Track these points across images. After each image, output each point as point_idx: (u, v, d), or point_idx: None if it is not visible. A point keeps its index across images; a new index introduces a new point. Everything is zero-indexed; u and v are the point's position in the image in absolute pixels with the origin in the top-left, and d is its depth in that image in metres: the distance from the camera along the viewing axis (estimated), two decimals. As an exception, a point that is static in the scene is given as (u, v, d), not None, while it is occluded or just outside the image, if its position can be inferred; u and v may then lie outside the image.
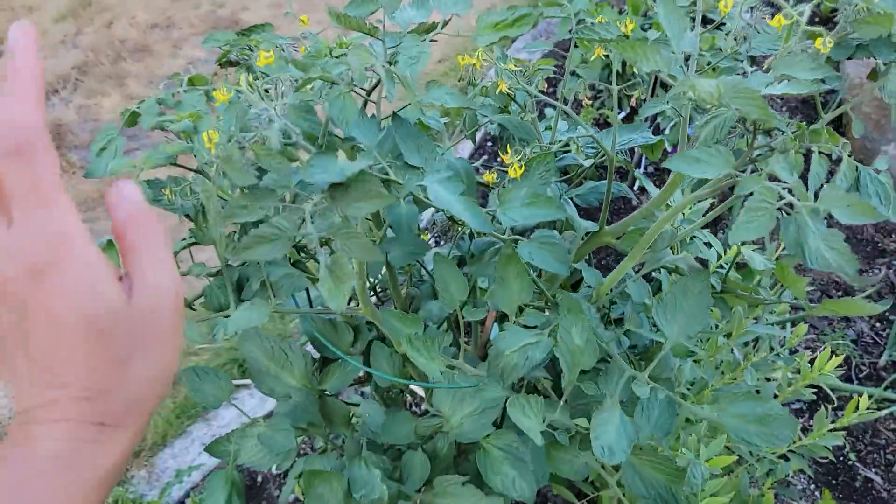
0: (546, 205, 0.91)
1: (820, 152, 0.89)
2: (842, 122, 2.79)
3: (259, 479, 2.07)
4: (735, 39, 0.88)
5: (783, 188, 0.78)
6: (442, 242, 2.37)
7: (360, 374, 1.26)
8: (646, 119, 2.26)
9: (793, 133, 0.86)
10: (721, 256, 1.22)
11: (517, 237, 0.97)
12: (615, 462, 0.89)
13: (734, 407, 0.93)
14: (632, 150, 2.45)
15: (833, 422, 1.43)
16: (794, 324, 1.55)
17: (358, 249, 0.72)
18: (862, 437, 2.11)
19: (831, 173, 0.88)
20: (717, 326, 1.32)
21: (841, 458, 2.04)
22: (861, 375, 2.27)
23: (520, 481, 1.04)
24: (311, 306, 1.28)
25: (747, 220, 0.75)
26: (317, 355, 1.26)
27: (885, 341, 2.33)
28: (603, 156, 1.10)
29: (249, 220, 0.75)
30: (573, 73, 2.39)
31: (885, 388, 1.95)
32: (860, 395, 1.42)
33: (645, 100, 2.34)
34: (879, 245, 2.68)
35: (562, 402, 0.96)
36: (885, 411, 1.66)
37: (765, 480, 1.48)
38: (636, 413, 0.98)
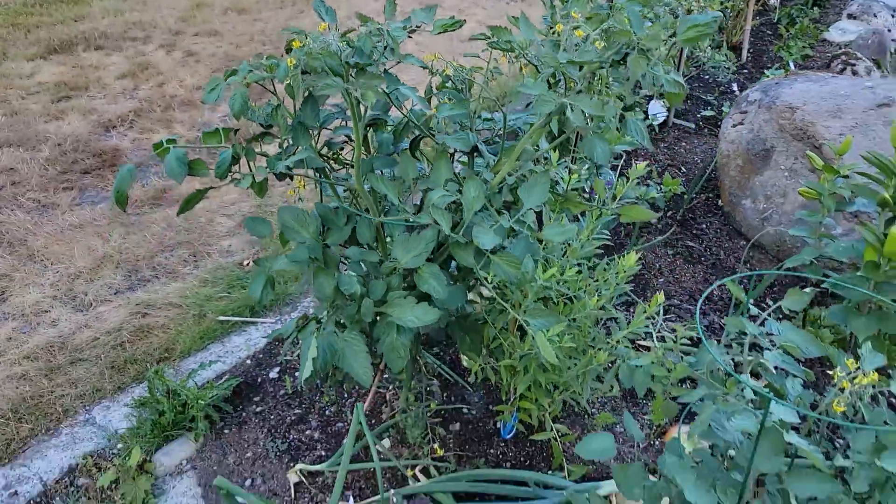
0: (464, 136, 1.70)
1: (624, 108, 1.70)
2: (716, 185, 3.66)
3: (259, 380, 2.72)
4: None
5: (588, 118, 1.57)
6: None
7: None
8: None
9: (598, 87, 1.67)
10: (566, 178, 2.01)
11: (445, 138, 1.76)
12: (488, 249, 1.64)
13: (553, 231, 1.69)
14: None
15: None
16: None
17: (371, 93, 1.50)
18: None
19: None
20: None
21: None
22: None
23: (437, 285, 1.77)
24: (321, 198, 2.04)
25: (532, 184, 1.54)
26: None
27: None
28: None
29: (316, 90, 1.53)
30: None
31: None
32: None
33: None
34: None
35: (462, 230, 1.71)
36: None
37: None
38: (508, 245, 1.73)
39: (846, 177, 2.30)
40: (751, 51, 5.89)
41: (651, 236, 3.49)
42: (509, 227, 1.76)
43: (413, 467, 2.31)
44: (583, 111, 1.55)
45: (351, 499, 2.21)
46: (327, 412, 2.57)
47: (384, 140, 1.96)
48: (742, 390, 1.41)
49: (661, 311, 2.58)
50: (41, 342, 2.87)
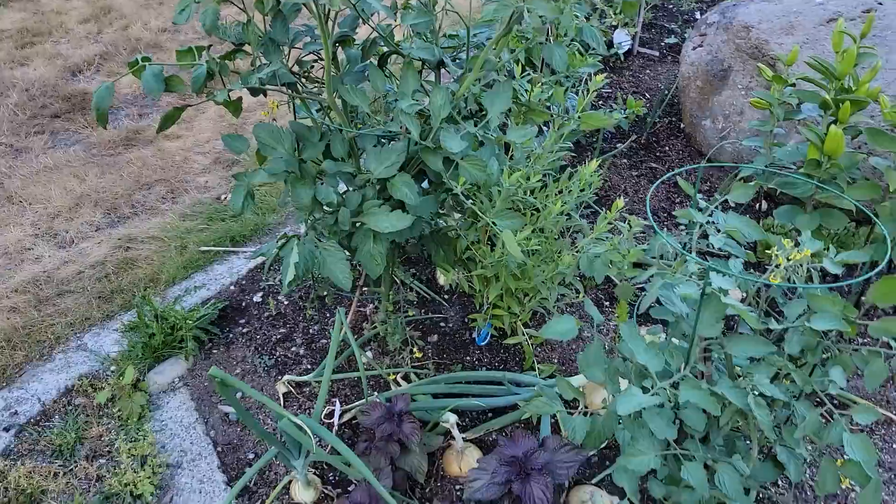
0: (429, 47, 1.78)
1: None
2: (678, 108, 3.78)
3: (244, 304, 2.83)
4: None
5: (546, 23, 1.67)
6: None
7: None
8: None
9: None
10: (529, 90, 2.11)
11: (411, 49, 1.84)
12: (458, 155, 1.75)
13: (515, 132, 1.80)
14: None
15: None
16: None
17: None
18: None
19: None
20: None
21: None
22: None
23: (408, 191, 1.88)
24: (295, 117, 2.12)
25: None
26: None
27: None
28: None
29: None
30: None
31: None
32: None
33: None
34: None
35: (431, 137, 1.81)
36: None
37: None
38: (477, 151, 1.83)
39: (793, 85, 2.43)
40: (714, -20, 5.94)
41: (617, 159, 3.61)
42: (475, 134, 1.86)
43: (395, 375, 2.46)
44: (539, 15, 1.64)
45: (337, 403, 2.36)
46: (311, 330, 2.69)
47: (352, 56, 2.04)
48: (687, 266, 1.55)
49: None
50: (27, 277, 2.94)
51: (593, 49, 2.45)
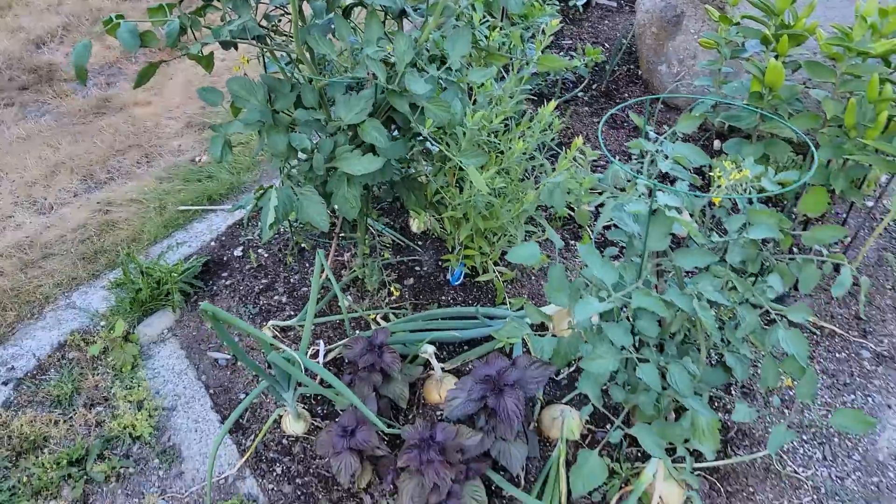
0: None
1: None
2: (636, 56, 3.90)
3: (225, 258, 2.93)
4: None
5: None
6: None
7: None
8: None
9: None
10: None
11: (374, 1, 1.93)
12: (423, 98, 1.86)
13: (476, 73, 1.91)
14: None
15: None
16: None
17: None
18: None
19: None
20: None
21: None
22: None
23: (378, 135, 1.99)
24: (265, 71, 2.20)
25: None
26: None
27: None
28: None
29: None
30: None
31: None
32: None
33: None
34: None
35: (397, 81, 1.92)
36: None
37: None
38: (441, 95, 1.94)
39: (738, 24, 2.56)
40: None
41: (578, 107, 3.74)
42: (439, 77, 1.97)
43: (374, 315, 2.59)
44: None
45: (322, 343, 2.49)
46: (292, 280, 2.81)
47: (318, 8, 2.12)
48: (636, 188, 1.69)
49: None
50: (10, 243, 3.01)
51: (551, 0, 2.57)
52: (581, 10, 4.61)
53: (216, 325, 1.79)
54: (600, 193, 1.81)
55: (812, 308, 2.58)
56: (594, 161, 3.33)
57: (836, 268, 2.64)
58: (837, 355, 2.42)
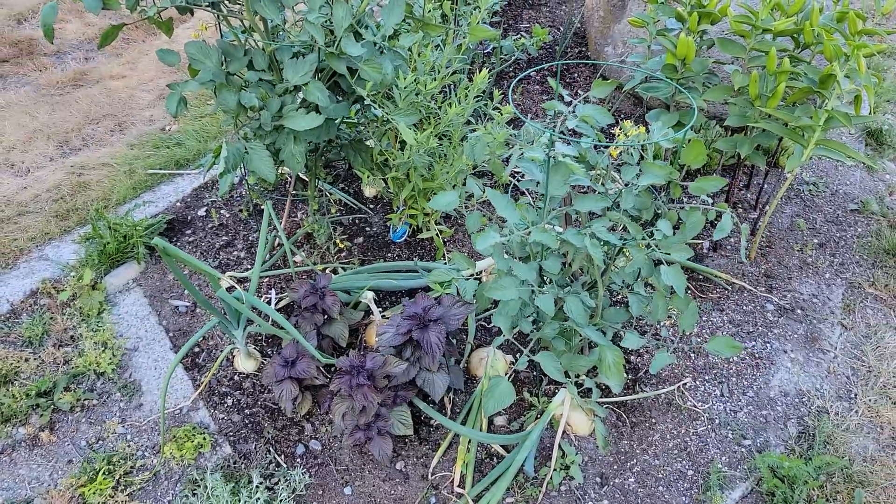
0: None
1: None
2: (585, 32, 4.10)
3: (189, 217, 3.11)
4: None
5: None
6: None
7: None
8: None
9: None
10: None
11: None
12: (359, 60, 2.04)
13: (406, 38, 2.09)
14: None
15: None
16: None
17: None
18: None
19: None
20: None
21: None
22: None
23: (320, 95, 2.17)
24: (221, 37, 2.38)
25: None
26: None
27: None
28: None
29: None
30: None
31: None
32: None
33: None
34: None
35: (336, 45, 2.10)
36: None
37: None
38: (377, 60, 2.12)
39: (663, 3, 2.76)
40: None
41: (531, 85, 3.93)
42: (376, 42, 2.16)
43: (323, 268, 2.78)
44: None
45: (273, 292, 2.68)
46: (250, 238, 2.99)
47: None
48: (542, 140, 1.88)
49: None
50: (-13, 201, 3.17)
51: None
52: (541, -5, 4.80)
53: (166, 258, 1.97)
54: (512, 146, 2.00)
55: (726, 266, 2.80)
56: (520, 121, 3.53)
57: (720, 216, 2.86)
58: (745, 308, 2.64)
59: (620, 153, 1.99)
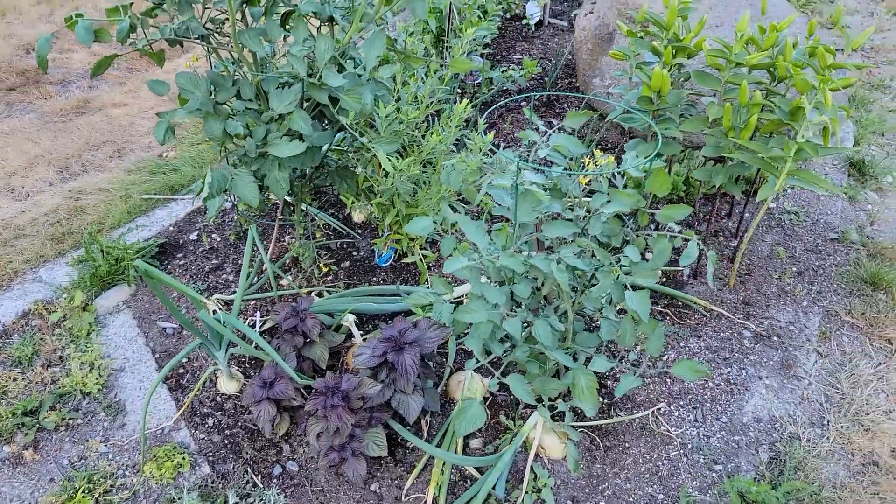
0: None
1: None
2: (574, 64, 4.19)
3: (181, 241, 3.17)
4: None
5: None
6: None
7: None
8: None
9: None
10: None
11: (300, 4, 2.19)
12: (339, 90, 2.11)
13: (384, 70, 2.16)
14: None
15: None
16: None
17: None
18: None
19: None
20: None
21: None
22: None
23: (303, 123, 2.24)
24: (211, 68, 2.46)
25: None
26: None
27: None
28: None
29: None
30: None
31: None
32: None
33: None
34: None
35: (318, 76, 2.17)
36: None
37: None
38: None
39: (642, 37, 2.83)
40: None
41: (521, 115, 4.00)
42: (357, 73, 2.23)
43: (309, 291, 2.83)
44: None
45: (258, 314, 2.73)
46: (240, 261, 3.04)
47: (256, 13, 2.38)
48: (511, 168, 1.94)
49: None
50: (-14, 224, 3.24)
51: (495, 15, 2.83)
52: (533, 28, 4.90)
53: (148, 280, 2.03)
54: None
55: (706, 293, 2.83)
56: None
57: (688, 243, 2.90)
58: (722, 334, 2.66)
59: (590, 182, 2.04)
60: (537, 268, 1.88)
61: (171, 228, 3.24)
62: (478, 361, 2.09)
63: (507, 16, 5.13)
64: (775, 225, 3.19)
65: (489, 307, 1.93)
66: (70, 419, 2.41)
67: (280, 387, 2.21)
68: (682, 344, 2.61)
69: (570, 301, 2.01)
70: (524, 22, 4.89)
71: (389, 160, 2.50)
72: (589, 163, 2.03)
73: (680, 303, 2.80)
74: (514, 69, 3.79)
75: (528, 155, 2.12)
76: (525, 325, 2.07)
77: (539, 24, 4.95)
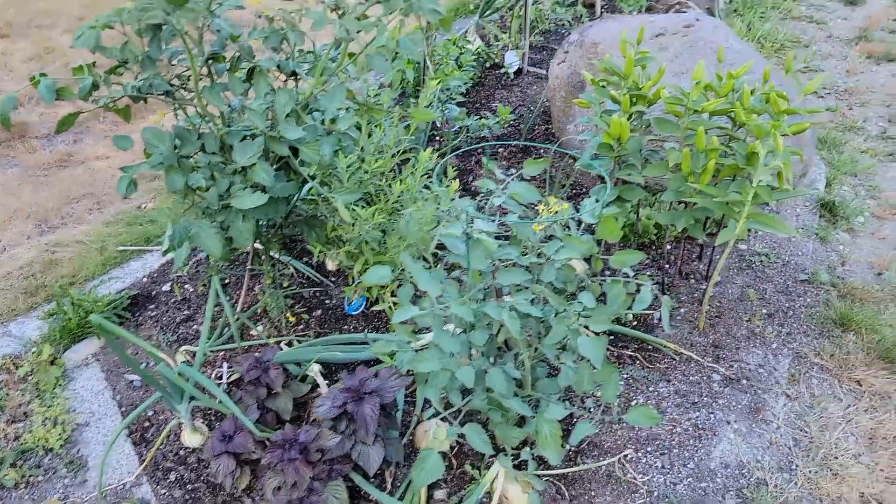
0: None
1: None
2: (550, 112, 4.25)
3: (154, 292, 3.18)
4: None
5: None
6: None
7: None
8: None
9: None
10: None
11: (260, 60, 2.24)
12: (298, 142, 2.14)
13: (342, 121, 2.20)
14: None
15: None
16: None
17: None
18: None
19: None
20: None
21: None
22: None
23: (265, 175, 2.26)
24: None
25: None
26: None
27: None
28: None
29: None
30: None
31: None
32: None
33: None
34: None
35: (277, 129, 2.21)
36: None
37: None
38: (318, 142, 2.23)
39: (604, 86, 2.89)
40: (604, 6, 6.52)
41: (498, 161, 4.05)
42: (317, 123, 2.27)
43: (278, 342, 2.82)
44: (346, 28, 2.06)
45: (225, 366, 2.71)
46: (211, 314, 3.04)
47: (220, 70, 2.43)
48: (464, 217, 1.95)
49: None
50: (-40, 279, 3.25)
51: (471, 65, 2.87)
52: (512, 76, 4.99)
53: (104, 334, 2.03)
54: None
55: (676, 337, 2.82)
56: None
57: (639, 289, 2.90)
58: (691, 378, 2.64)
59: (544, 228, 2.06)
60: (488, 315, 1.88)
61: (144, 280, 3.25)
62: (438, 412, 2.07)
63: (487, 64, 5.23)
64: (746, 267, 3.20)
65: (445, 356, 1.92)
66: (31, 476, 2.38)
67: (239, 440, 2.18)
68: (650, 388, 2.59)
69: (528, 348, 2.01)
70: (503, 70, 4.98)
71: (353, 209, 2.52)
72: (543, 210, 2.05)
73: (650, 346, 2.79)
74: (490, 116, 3.85)
75: (484, 203, 2.15)
76: (485, 371, 2.06)
77: (518, 72, 5.04)
